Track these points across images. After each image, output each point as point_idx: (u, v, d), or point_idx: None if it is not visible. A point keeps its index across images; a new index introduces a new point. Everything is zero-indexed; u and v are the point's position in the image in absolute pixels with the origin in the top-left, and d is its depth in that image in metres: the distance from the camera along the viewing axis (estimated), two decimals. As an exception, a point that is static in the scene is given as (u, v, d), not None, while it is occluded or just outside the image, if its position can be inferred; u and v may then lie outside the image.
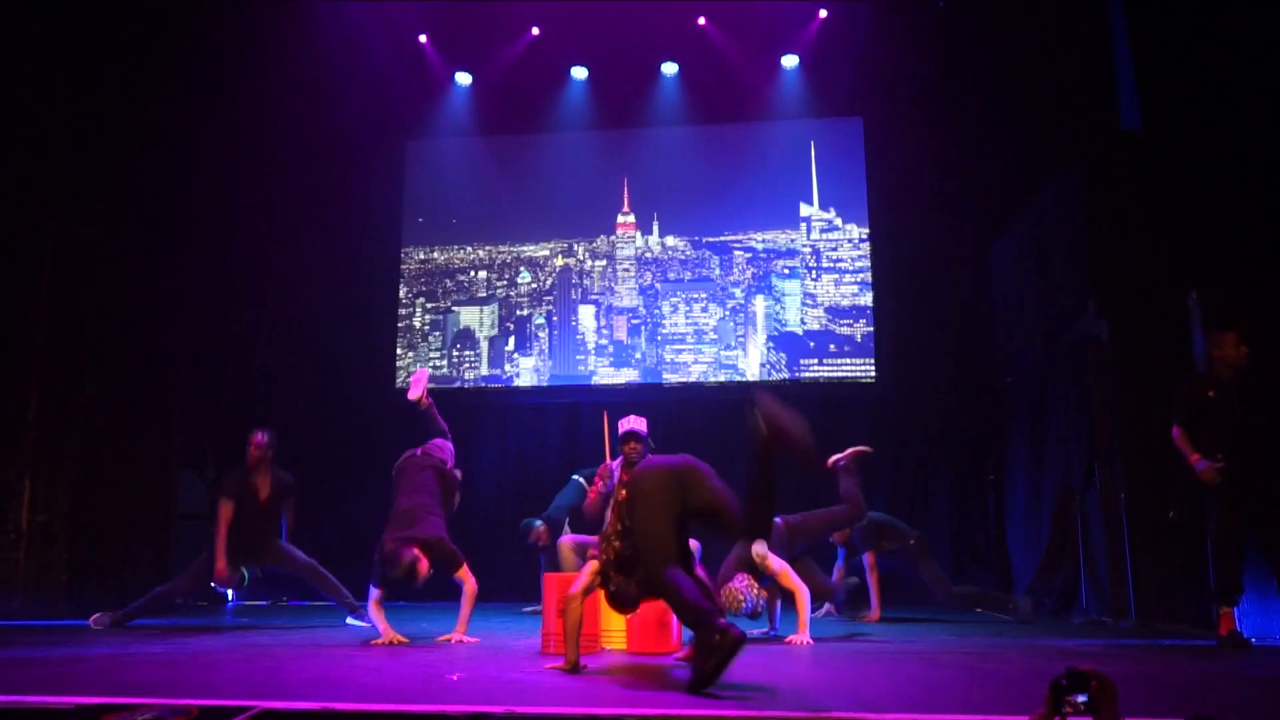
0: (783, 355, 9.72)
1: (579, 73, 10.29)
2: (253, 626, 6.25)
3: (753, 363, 9.75)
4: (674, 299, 9.93)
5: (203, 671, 3.83)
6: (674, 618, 4.91)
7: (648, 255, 10.11)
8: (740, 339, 9.83)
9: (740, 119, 10.21)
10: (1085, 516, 7.24)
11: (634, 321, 10.02)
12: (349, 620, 6.37)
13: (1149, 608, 6.36)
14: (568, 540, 7.03)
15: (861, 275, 9.76)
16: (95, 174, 7.56)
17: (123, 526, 7.48)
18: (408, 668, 3.98)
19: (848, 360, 9.63)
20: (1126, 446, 6.65)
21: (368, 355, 10.18)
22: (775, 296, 9.85)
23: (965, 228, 9.53)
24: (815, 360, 9.68)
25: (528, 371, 10.08)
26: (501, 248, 10.36)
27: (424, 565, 5.06)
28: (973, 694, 3.37)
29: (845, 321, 9.71)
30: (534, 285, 10.26)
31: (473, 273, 10.37)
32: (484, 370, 10.16)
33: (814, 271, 9.85)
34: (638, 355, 9.93)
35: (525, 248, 10.32)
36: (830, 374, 9.64)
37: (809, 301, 9.79)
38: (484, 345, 10.23)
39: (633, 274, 10.11)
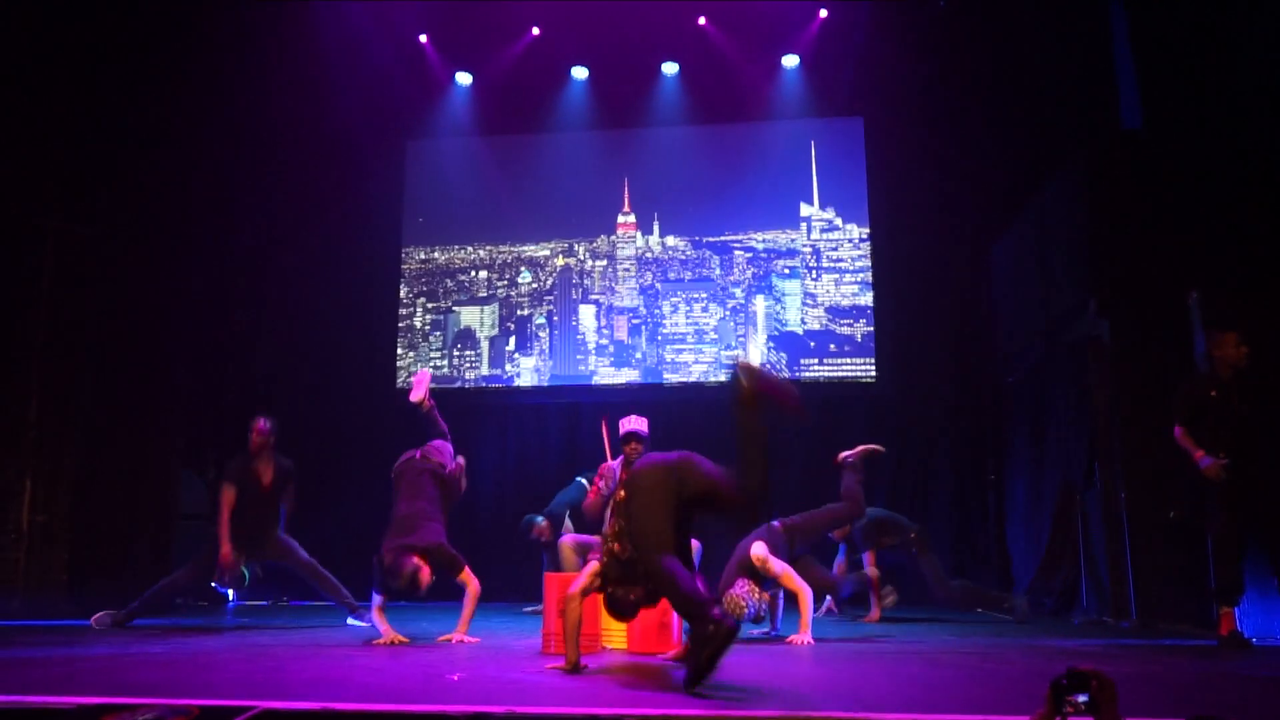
0: (783, 355, 9.72)
1: (579, 73, 10.29)
2: (253, 626, 6.25)
3: (753, 362, 9.73)
4: (674, 299, 9.93)
5: (203, 671, 3.83)
6: (675, 618, 4.91)
7: (648, 255, 10.11)
8: (741, 339, 9.83)
9: (741, 119, 10.21)
10: (1086, 516, 7.24)
11: (634, 321, 10.02)
12: (349, 621, 6.37)
13: (1149, 608, 6.36)
14: (568, 540, 7.03)
15: (862, 275, 9.76)
16: (95, 174, 7.56)
17: (123, 526, 7.48)
18: (408, 668, 3.98)
19: (848, 360, 9.63)
20: (1127, 446, 6.65)
21: (368, 355, 10.18)
22: (776, 296, 9.85)
23: (966, 227, 9.54)
24: (816, 360, 9.68)
25: (528, 371, 10.08)
26: (502, 248, 10.36)
27: (425, 574, 5.08)
28: (973, 694, 3.37)
29: (845, 321, 9.71)
30: (535, 285, 10.26)
31: (473, 273, 10.37)
32: (485, 370, 10.17)
33: (814, 271, 9.85)
34: (638, 355, 9.93)
35: (526, 248, 10.32)
36: (831, 374, 9.64)
37: (809, 301, 9.79)
38: (485, 345, 10.23)
39: (633, 274, 10.11)
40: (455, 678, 3.66)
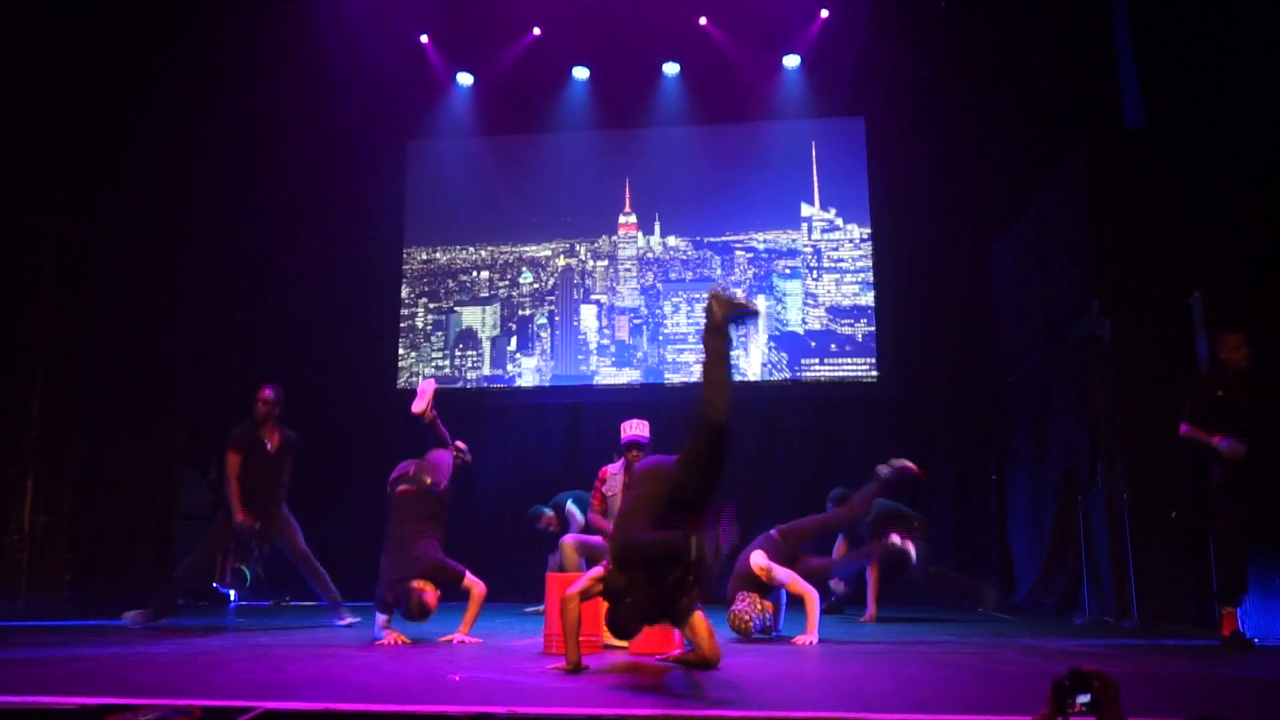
0: (784, 355, 9.72)
1: (580, 73, 10.29)
2: (255, 627, 6.25)
3: (754, 362, 9.75)
4: (675, 299, 9.93)
5: (205, 672, 3.83)
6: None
7: (649, 255, 10.11)
8: (741, 339, 9.82)
9: (742, 119, 10.21)
10: (1087, 516, 7.23)
11: (636, 321, 10.02)
12: (335, 622, 6.33)
13: (1151, 608, 6.36)
14: (570, 539, 7.02)
15: (863, 275, 9.76)
16: (96, 174, 7.56)
17: (125, 526, 7.49)
18: (410, 668, 3.98)
19: (849, 360, 9.62)
20: (1128, 446, 6.65)
21: (370, 355, 10.18)
22: (776, 296, 9.85)
23: (967, 227, 9.53)
24: (816, 360, 9.67)
25: (530, 371, 10.09)
26: (503, 248, 10.36)
27: (431, 597, 5.10)
28: (975, 694, 3.37)
29: (846, 321, 9.70)
30: (536, 285, 10.27)
31: (475, 273, 10.37)
32: (486, 370, 10.17)
33: (815, 271, 9.85)
34: (639, 355, 9.93)
35: (527, 248, 10.33)
36: (831, 374, 9.64)
37: (810, 301, 9.79)
38: (486, 345, 10.23)
39: (634, 274, 10.11)
40: (457, 678, 3.66)
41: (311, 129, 9.82)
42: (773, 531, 5.77)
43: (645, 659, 4.35)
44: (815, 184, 9.96)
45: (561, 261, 10.26)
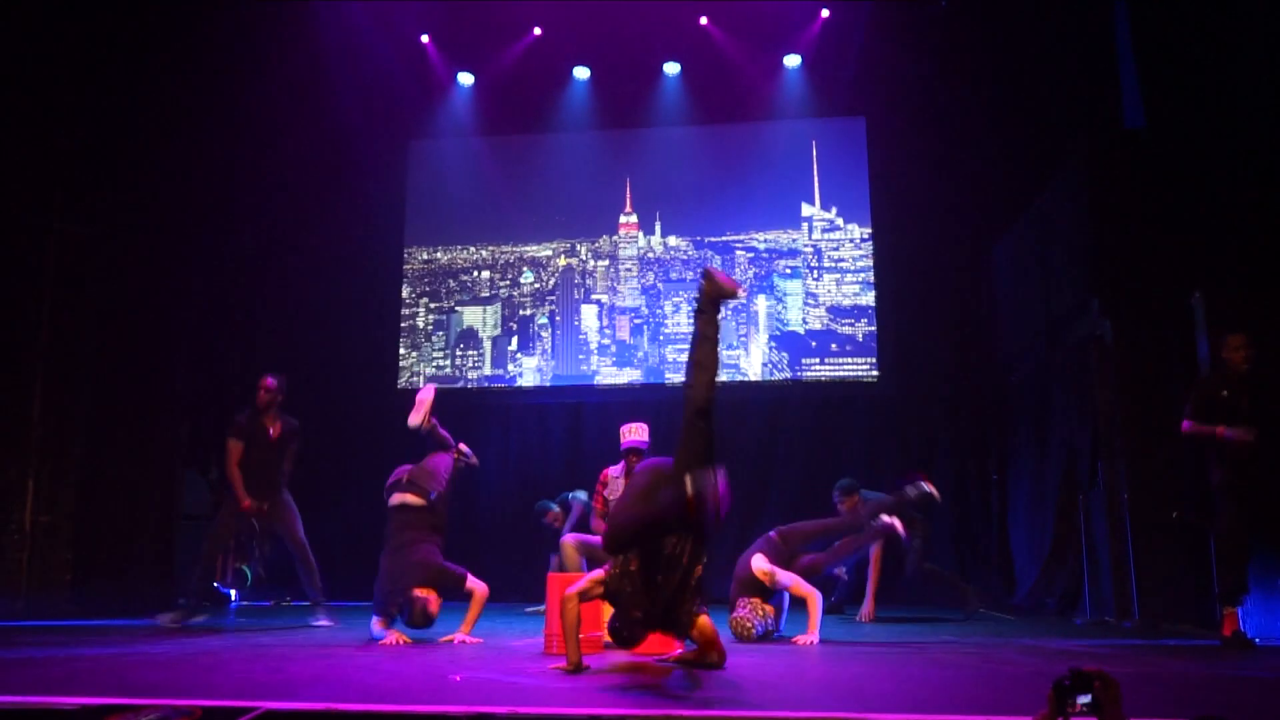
0: (785, 355, 9.72)
1: (581, 73, 10.29)
2: (255, 627, 6.25)
3: (755, 362, 9.76)
4: (676, 299, 9.93)
5: (206, 672, 3.83)
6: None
7: (650, 255, 10.11)
8: (742, 339, 9.83)
9: (742, 119, 10.21)
10: (1088, 516, 7.23)
11: (636, 321, 10.02)
12: (312, 621, 6.32)
13: (1152, 608, 6.35)
14: (571, 539, 7.02)
15: (863, 275, 9.76)
16: (97, 174, 7.56)
17: (126, 526, 7.48)
18: (411, 668, 3.98)
19: (849, 360, 9.63)
20: (1129, 446, 6.64)
21: (371, 355, 10.18)
22: (777, 296, 9.85)
23: (967, 227, 9.53)
24: (817, 360, 9.68)
25: (531, 371, 10.09)
26: (504, 248, 10.36)
27: (434, 606, 5.12)
28: (976, 694, 3.37)
29: (847, 321, 9.71)
30: (537, 285, 10.27)
31: (476, 273, 10.37)
32: (487, 370, 10.17)
33: (815, 271, 9.85)
34: (640, 355, 9.94)
35: (528, 248, 10.33)
36: (832, 374, 9.64)
37: (811, 301, 9.79)
38: (487, 345, 10.24)
39: (635, 274, 10.11)
40: (458, 678, 3.66)
41: (312, 129, 9.83)
42: (772, 533, 5.77)
43: (646, 659, 4.35)
44: (816, 184, 9.96)
45: (562, 261, 10.26)
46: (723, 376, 9.58)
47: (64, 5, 7.42)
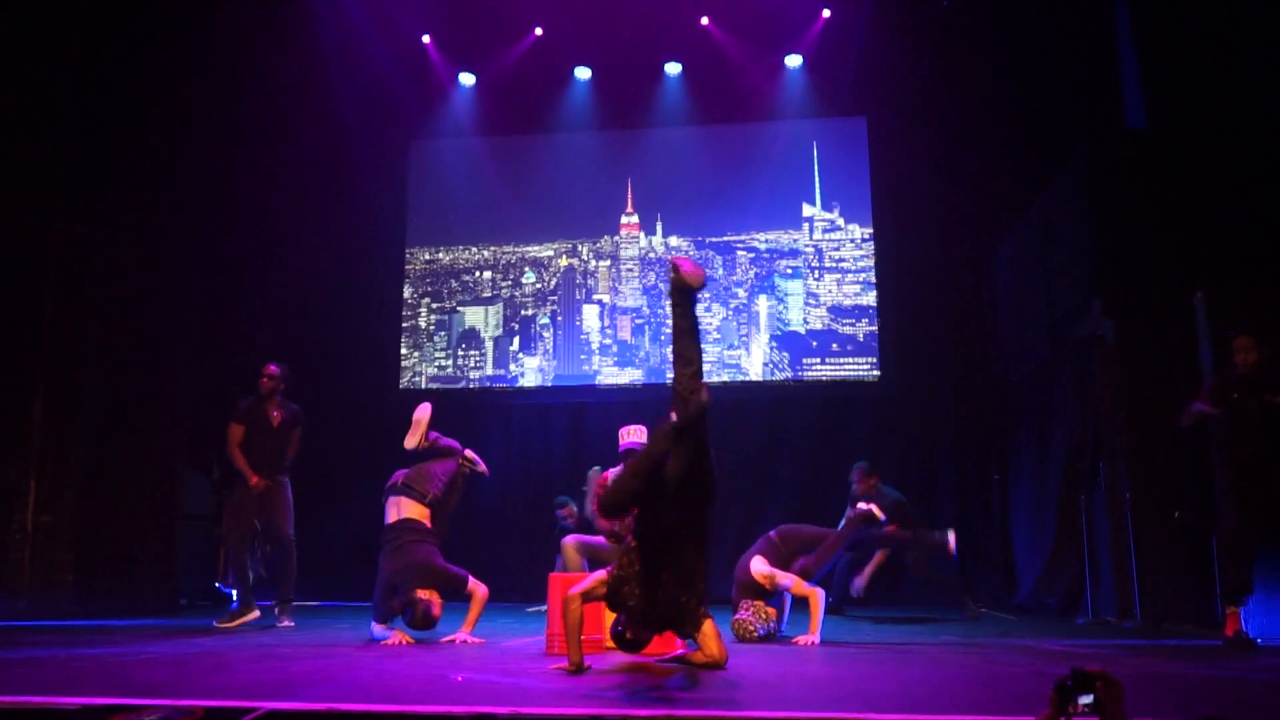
0: (785, 355, 9.72)
1: (582, 73, 10.29)
2: (257, 627, 6.25)
3: (756, 362, 9.76)
4: (677, 299, 9.91)
5: (208, 672, 3.83)
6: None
7: (651, 255, 10.11)
8: (743, 338, 9.84)
9: (743, 119, 10.21)
10: (1090, 516, 7.23)
11: (638, 321, 10.02)
12: (278, 624, 6.31)
13: (1154, 608, 6.35)
14: (572, 540, 7.02)
15: (864, 275, 9.75)
16: (98, 174, 7.56)
17: (128, 527, 7.48)
18: (413, 668, 3.98)
19: (850, 360, 9.62)
20: (1131, 446, 6.64)
21: (372, 355, 10.19)
22: (778, 296, 9.85)
23: (969, 227, 9.53)
24: (818, 360, 9.68)
25: (532, 371, 10.09)
26: (506, 248, 10.37)
27: (436, 609, 5.11)
28: (978, 695, 3.37)
29: (848, 321, 9.70)
30: (538, 285, 10.27)
31: (477, 273, 10.38)
32: (489, 370, 10.18)
33: (816, 271, 9.85)
34: (641, 355, 9.94)
35: (529, 248, 10.33)
36: (833, 374, 9.64)
37: (812, 301, 9.79)
38: (489, 345, 10.24)
39: (636, 274, 10.11)
40: (459, 678, 3.66)
41: (313, 129, 9.83)
42: (772, 533, 5.78)
43: (648, 659, 4.35)
44: (817, 184, 9.96)
45: (564, 261, 10.26)
46: (724, 376, 9.61)
47: (64, 5, 7.42)
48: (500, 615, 7.25)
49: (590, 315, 10.13)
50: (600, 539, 6.76)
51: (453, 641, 5.12)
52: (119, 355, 7.53)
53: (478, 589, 5.23)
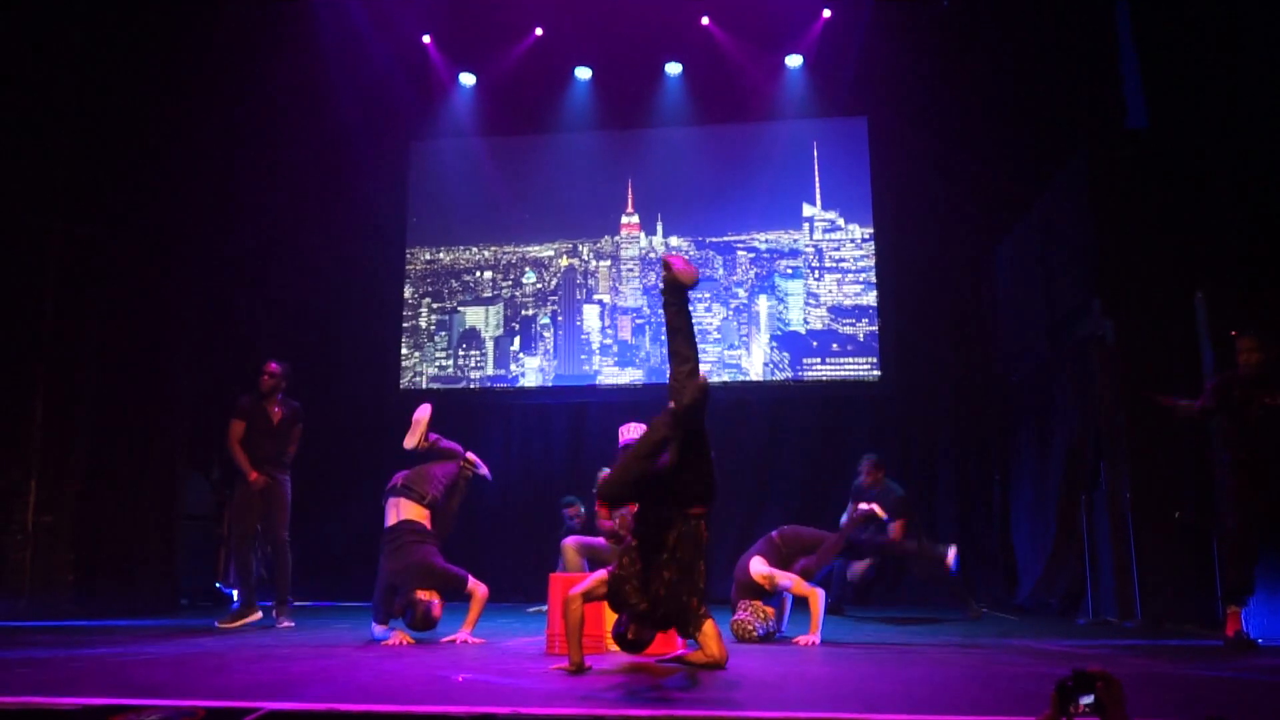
0: (786, 355, 9.72)
1: (583, 73, 10.29)
2: (257, 627, 6.25)
3: (756, 362, 9.75)
4: (678, 299, 9.91)
5: (209, 673, 3.83)
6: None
7: (652, 255, 10.11)
8: (744, 338, 9.83)
9: (744, 119, 10.21)
10: (1090, 516, 7.23)
11: (638, 321, 10.02)
12: (278, 624, 6.32)
13: (1154, 608, 6.35)
14: (571, 541, 7.03)
15: (865, 275, 9.75)
16: (99, 174, 7.55)
17: (128, 527, 7.48)
18: (413, 668, 3.98)
19: (851, 360, 9.62)
20: (1131, 446, 6.64)
21: (373, 355, 10.19)
22: (778, 296, 9.85)
23: (969, 227, 9.53)
24: (818, 360, 9.68)
25: (533, 371, 10.09)
26: (506, 248, 10.37)
27: (437, 610, 5.10)
28: (978, 695, 3.37)
29: (848, 321, 9.70)
30: (539, 285, 10.27)
31: (478, 273, 10.38)
32: (489, 370, 10.18)
33: (817, 271, 9.85)
34: (642, 355, 9.94)
35: (530, 248, 10.33)
36: (833, 373, 9.64)
37: (812, 301, 9.79)
38: (489, 345, 10.24)
39: (637, 274, 10.11)
40: (460, 679, 3.66)
41: (314, 130, 9.83)
42: (774, 534, 5.78)
43: (648, 660, 4.34)
44: (817, 184, 9.96)
45: (564, 261, 10.26)
46: (724, 376, 9.61)
47: (64, 5, 7.42)
48: (500, 615, 7.25)
49: (591, 315, 10.13)
50: (600, 540, 6.77)
51: (453, 642, 5.12)
52: (119, 355, 7.53)
53: (478, 589, 5.23)
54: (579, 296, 10.19)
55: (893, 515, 6.92)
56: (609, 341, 10.04)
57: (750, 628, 5.32)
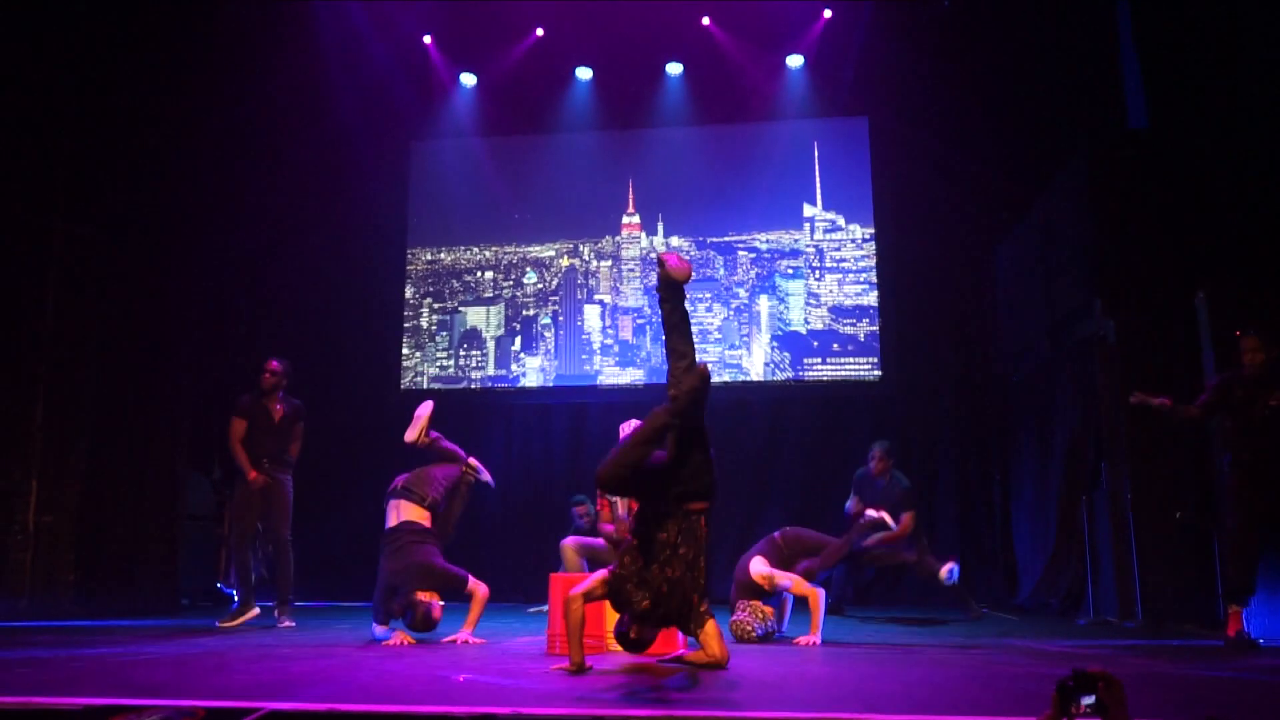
0: (786, 355, 9.72)
1: (583, 73, 10.29)
2: (258, 628, 6.25)
3: (757, 362, 9.75)
4: (679, 299, 9.91)
5: (210, 673, 3.83)
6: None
7: (653, 255, 10.11)
8: (744, 338, 9.83)
9: (745, 119, 10.21)
10: (1091, 516, 7.23)
11: (639, 321, 10.02)
12: (278, 624, 6.32)
13: (1155, 608, 6.35)
14: (571, 542, 7.03)
15: (865, 275, 9.75)
16: (100, 174, 7.56)
17: (130, 527, 7.48)
18: (414, 669, 3.98)
19: (851, 360, 9.62)
20: (1133, 447, 6.63)
21: (374, 355, 10.19)
22: (779, 296, 9.85)
23: (970, 227, 9.53)
24: (819, 360, 9.67)
25: (534, 371, 10.09)
26: (507, 248, 10.37)
27: (437, 611, 5.09)
28: (979, 695, 3.37)
29: (849, 321, 9.70)
30: (540, 285, 10.27)
31: (479, 273, 10.38)
32: (490, 370, 10.18)
33: (817, 271, 9.85)
34: (643, 355, 9.94)
35: (531, 248, 10.33)
36: (834, 374, 9.64)
37: (812, 301, 9.79)
38: (490, 345, 10.24)
39: (638, 274, 10.11)
40: (461, 679, 3.66)
41: (315, 130, 9.83)
42: (776, 534, 5.78)
43: (649, 660, 4.35)
44: (818, 184, 9.96)
45: (565, 261, 10.26)
46: (725, 376, 9.61)
47: (64, 5, 7.42)
48: (501, 615, 7.25)
49: (592, 315, 10.13)
50: (599, 541, 6.77)
51: (454, 642, 5.12)
52: (120, 355, 7.53)
53: (478, 589, 5.23)
54: (580, 296, 10.19)
55: (902, 507, 6.95)
56: (610, 341, 10.04)
57: (749, 628, 5.33)
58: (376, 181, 10.38)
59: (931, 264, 9.59)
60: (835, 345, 9.68)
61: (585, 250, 10.25)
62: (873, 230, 9.79)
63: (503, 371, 10.16)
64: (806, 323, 9.77)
